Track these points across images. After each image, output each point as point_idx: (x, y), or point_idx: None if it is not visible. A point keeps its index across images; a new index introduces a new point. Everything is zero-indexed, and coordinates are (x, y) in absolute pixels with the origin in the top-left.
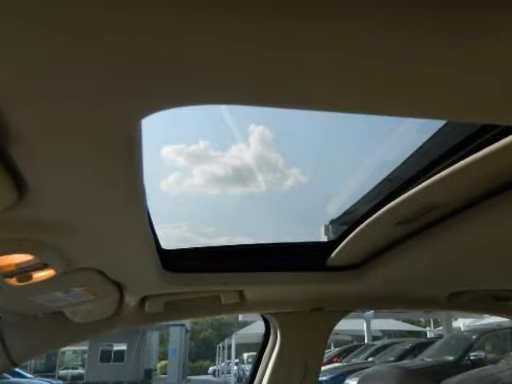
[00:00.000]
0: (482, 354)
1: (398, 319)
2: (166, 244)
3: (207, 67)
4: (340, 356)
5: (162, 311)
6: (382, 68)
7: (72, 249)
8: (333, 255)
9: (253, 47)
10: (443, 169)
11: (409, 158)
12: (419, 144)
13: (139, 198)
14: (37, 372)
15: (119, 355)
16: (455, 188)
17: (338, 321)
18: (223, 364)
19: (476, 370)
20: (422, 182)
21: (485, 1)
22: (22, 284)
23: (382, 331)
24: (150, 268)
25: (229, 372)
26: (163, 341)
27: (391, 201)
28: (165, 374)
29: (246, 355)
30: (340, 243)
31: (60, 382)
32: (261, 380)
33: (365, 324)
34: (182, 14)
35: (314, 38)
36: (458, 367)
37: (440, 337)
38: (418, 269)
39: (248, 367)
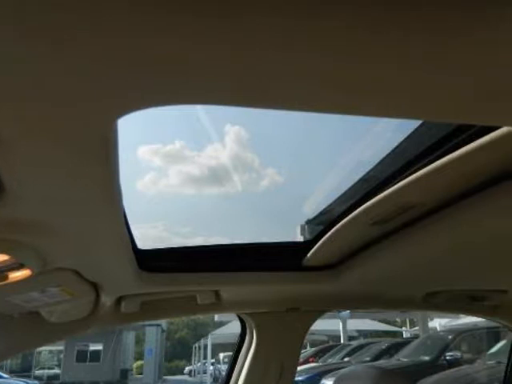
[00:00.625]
0: (458, 354)
1: (374, 319)
2: (142, 244)
3: (183, 67)
4: (316, 356)
5: (138, 311)
6: (358, 68)
7: (48, 249)
8: (309, 255)
9: (228, 48)
10: (419, 169)
11: (385, 158)
12: (395, 144)
13: (115, 198)
14: (13, 372)
15: (95, 355)
16: (431, 188)
17: (313, 321)
18: (199, 364)
19: (452, 370)
20: (397, 182)
21: (458, 1)
22: None
23: (358, 331)
24: (126, 268)
25: (205, 372)
26: (139, 341)
27: (367, 201)
28: (141, 373)
29: (222, 355)
30: (316, 243)
31: (36, 382)
32: (237, 380)
33: (341, 324)
34: (156, 16)
35: (288, 39)
36: (434, 367)
37: (416, 337)
38: (394, 269)
39: (224, 367)
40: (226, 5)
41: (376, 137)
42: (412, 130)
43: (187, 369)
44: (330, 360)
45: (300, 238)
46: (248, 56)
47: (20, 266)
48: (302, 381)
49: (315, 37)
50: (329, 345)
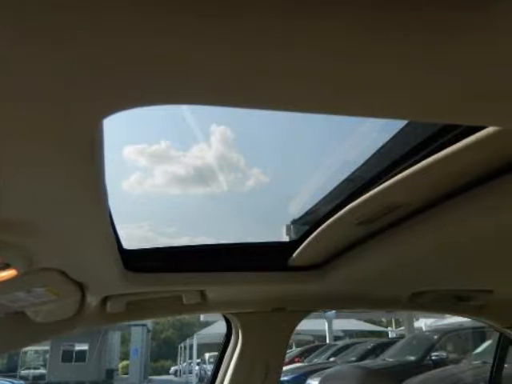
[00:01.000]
0: (443, 354)
1: (359, 319)
2: (127, 244)
3: (169, 67)
4: (301, 356)
5: (124, 311)
6: (344, 68)
7: (34, 249)
8: (294, 255)
9: (213, 48)
10: (405, 169)
11: (370, 158)
12: (381, 144)
13: (101, 198)
14: None
15: (81, 355)
16: (417, 188)
17: (299, 321)
18: (185, 364)
19: (437, 370)
20: (383, 182)
21: (446, 2)
22: None
23: (344, 331)
24: (112, 268)
25: (190, 372)
26: (125, 341)
27: (353, 201)
28: (126, 374)
29: (207, 355)
30: (301, 243)
31: (22, 382)
32: (222, 380)
33: (326, 324)
34: (146, 15)
35: (288, 39)
36: (419, 367)
37: (402, 337)
38: (379, 269)
39: (210, 367)
40: (224, 5)
41: (362, 137)
42: (398, 130)
43: (173, 369)
44: (315, 360)
45: (286, 238)
46: (246, 56)
47: (5, 266)
48: (287, 381)
49: (313, 37)
50: (314, 345)
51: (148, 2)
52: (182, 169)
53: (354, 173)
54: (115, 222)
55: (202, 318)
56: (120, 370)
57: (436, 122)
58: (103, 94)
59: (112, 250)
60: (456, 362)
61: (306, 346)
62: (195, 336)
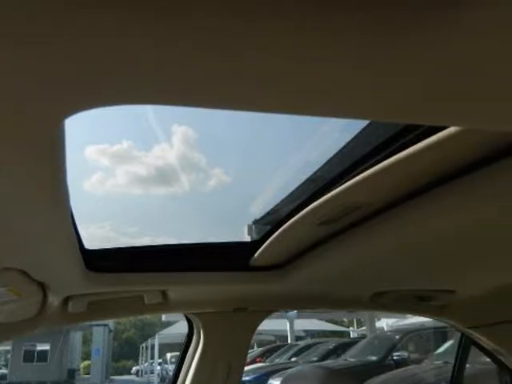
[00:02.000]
0: (405, 353)
1: (321, 319)
2: (89, 244)
3: (130, 67)
4: (263, 356)
5: (86, 311)
6: (305, 68)
7: None
8: (256, 255)
9: (175, 47)
10: (366, 169)
11: (332, 158)
12: (342, 144)
13: (62, 198)
14: None
15: (42, 355)
16: (378, 188)
17: (261, 321)
18: (146, 364)
19: (399, 370)
20: (345, 182)
21: (407, 2)
22: None
23: (306, 331)
24: (73, 268)
25: (152, 372)
26: (86, 341)
27: (314, 201)
28: (88, 374)
29: (169, 355)
30: (263, 243)
31: None
32: (184, 380)
33: (288, 324)
34: (104, 13)
35: (236, 39)
36: (381, 367)
37: (363, 337)
38: (341, 269)
39: (171, 367)
40: (185, 5)
41: (323, 137)
42: (359, 130)
43: (134, 369)
44: (277, 360)
45: (247, 238)
46: (208, 56)
47: None
48: (249, 381)
49: (274, 38)
50: (276, 345)
51: (108, 0)
52: (143, 169)
53: (315, 173)
54: (77, 222)
55: (164, 318)
56: (82, 370)
57: (397, 121)
58: (64, 94)
59: (73, 249)
60: (418, 362)
61: (268, 346)
62: (157, 336)
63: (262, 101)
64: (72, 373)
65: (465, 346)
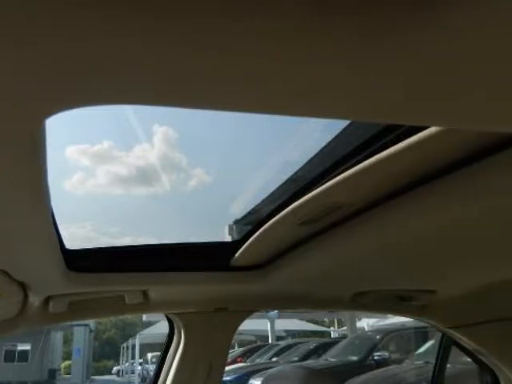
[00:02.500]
0: (385, 353)
1: (302, 319)
2: (70, 244)
3: (112, 67)
4: (244, 356)
5: (66, 311)
6: (286, 68)
7: None
8: (237, 255)
9: (155, 46)
10: (347, 169)
11: (313, 158)
12: (323, 144)
13: (43, 198)
14: None
15: (23, 355)
16: (359, 188)
17: (242, 321)
18: (127, 364)
19: (380, 370)
20: (325, 182)
21: (388, 3)
22: None
23: (286, 331)
24: (54, 268)
25: (133, 372)
26: (67, 341)
27: (295, 201)
28: (69, 373)
29: (150, 355)
30: (244, 243)
31: None
32: (165, 380)
33: (269, 324)
34: (85, 14)
35: (219, 39)
36: (362, 367)
37: (344, 337)
38: (322, 269)
39: (152, 367)
40: (162, 4)
41: (304, 137)
42: (340, 130)
43: (115, 369)
44: (257, 360)
45: (228, 238)
46: (188, 56)
47: None
48: (229, 381)
49: (258, 38)
50: (257, 345)
51: (87, 1)
52: (124, 169)
53: (296, 173)
54: (58, 222)
55: (145, 317)
56: (62, 369)
57: (378, 121)
58: (46, 94)
59: (54, 249)
60: (398, 361)
61: (249, 346)
62: (138, 336)
63: (243, 101)
64: (53, 373)
65: (445, 346)
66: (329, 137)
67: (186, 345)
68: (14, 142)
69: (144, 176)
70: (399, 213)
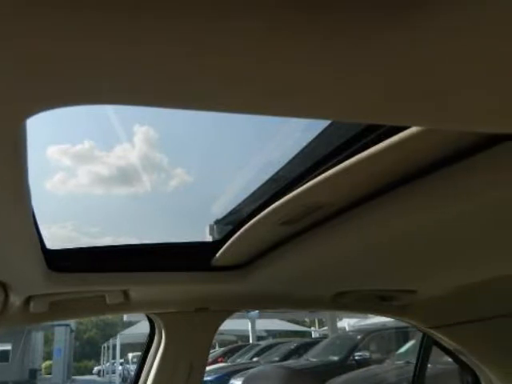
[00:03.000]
0: (366, 353)
1: (282, 319)
2: (51, 244)
3: (92, 67)
4: (225, 356)
5: (47, 311)
6: (268, 69)
7: None
8: (217, 255)
9: (135, 47)
10: (328, 169)
11: (293, 158)
12: (304, 144)
13: (24, 198)
14: None
15: (4, 355)
16: (340, 188)
17: (222, 321)
18: (108, 364)
19: (361, 370)
20: (306, 182)
21: (368, 3)
22: None
23: (267, 331)
24: (35, 268)
25: (114, 372)
26: (48, 341)
27: (276, 201)
28: (50, 373)
29: (130, 355)
30: (225, 243)
31: None
32: (145, 380)
33: (250, 324)
34: (65, 17)
35: (193, 38)
36: (342, 367)
37: (325, 337)
38: (302, 269)
39: (133, 367)
40: (139, 5)
41: (285, 137)
42: (321, 130)
43: (96, 369)
44: (238, 360)
45: (209, 238)
46: (169, 56)
47: None
48: (210, 381)
49: (236, 38)
50: (238, 345)
51: (64, 2)
52: (105, 169)
53: (277, 173)
54: (38, 222)
55: (126, 317)
56: (43, 369)
57: (359, 121)
58: (26, 95)
59: (35, 249)
60: (379, 361)
61: (230, 346)
62: (118, 336)
63: (224, 101)
64: (34, 373)
65: (426, 346)
66: (310, 137)
67: (166, 345)
68: None
69: (125, 176)
70: (380, 213)
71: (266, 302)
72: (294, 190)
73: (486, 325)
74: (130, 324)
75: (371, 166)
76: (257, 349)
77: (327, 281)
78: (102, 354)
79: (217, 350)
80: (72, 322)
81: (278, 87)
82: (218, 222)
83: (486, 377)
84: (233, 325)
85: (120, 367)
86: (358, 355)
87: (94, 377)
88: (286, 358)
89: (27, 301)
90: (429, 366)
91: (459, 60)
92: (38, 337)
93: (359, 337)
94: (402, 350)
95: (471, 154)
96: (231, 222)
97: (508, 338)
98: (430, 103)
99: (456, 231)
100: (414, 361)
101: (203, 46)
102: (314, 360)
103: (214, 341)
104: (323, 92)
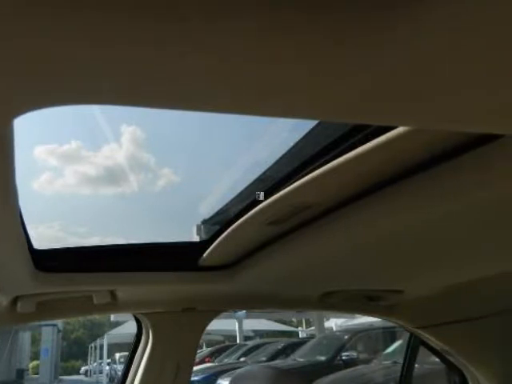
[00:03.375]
0: (353, 353)
1: (270, 319)
2: (38, 244)
3: (79, 67)
4: (212, 356)
5: (35, 311)
6: (254, 69)
7: None
8: (205, 255)
9: (123, 47)
10: (315, 169)
11: (281, 158)
12: (291, 144)
13: (11, 198)
14: None
15: None
16: (327, 188)
17: (210, 321)
18: (95, 364)
19: (348, 370)
20: (293, 182)
21: (356, 2)
22: None
23: (254, 331)
24: (22, 268)
25: (101, 372)
26: (35, 341)
27: (263, 201)
28: (37, 373)
29: (118, 355)
30: (212, 243)
31: None
32: (133, 380)
33: (237, 324)
34: (65, 17)
35: (183, 38)
36: (330, 367)
37: (312, 337)
38: (290, 269)
39: (120, 367)
40: (128, 5)
41: (272, 137)
42: (308, 130)
43: (83, 369)
44: (226, 360)
45: (196, 238)
46: (142, 55)
47: None
48: (198, 381)
49: (223, 38)
50: (225, 345)
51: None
52: (92, 169)
53: (264, 173)
54: (26, 222)
55: (113, 317)
56: (30, 369)
57: (346, 121)
58: (13, 95)
59: (22, 249)
60: (366, 361)
61: (217, 346)
62: (106, 336)
63: (212, 101)
64: (21, 373)
65: (413, 346)
66: (297, 137)
67: (153, 345)
68: None
69: (112, 176)
70: (367, 213)
71: (253, 302)
72: (281, 190)
73: (473, 325)
74: (117, 324)
75: (358, 165)
76: (244, 349)
77: (314, 281)
78: (90, 354)
79: (204, 350)
80: (59, 322)
81: (265, 87)
82: (205, 221)
83: (473, 377)
84: (220, 325)
85: (107, 367)
86: (345, 355)
87: (82, 377)
88: (273, 358)
89: (14, 301)
90: (416, 366)
91: (444, 59)
92: (25, 337)
93: (346, 337)
94: (390, 350)
95: (458, 154)
96: (218, 222)
97: (495, 337)
98: (417, 103)
99: (443, 231)
100: (401, 361)
101: (186, 47)
102: (301, 360)
103: (201, 341)
104: (311, 92)
